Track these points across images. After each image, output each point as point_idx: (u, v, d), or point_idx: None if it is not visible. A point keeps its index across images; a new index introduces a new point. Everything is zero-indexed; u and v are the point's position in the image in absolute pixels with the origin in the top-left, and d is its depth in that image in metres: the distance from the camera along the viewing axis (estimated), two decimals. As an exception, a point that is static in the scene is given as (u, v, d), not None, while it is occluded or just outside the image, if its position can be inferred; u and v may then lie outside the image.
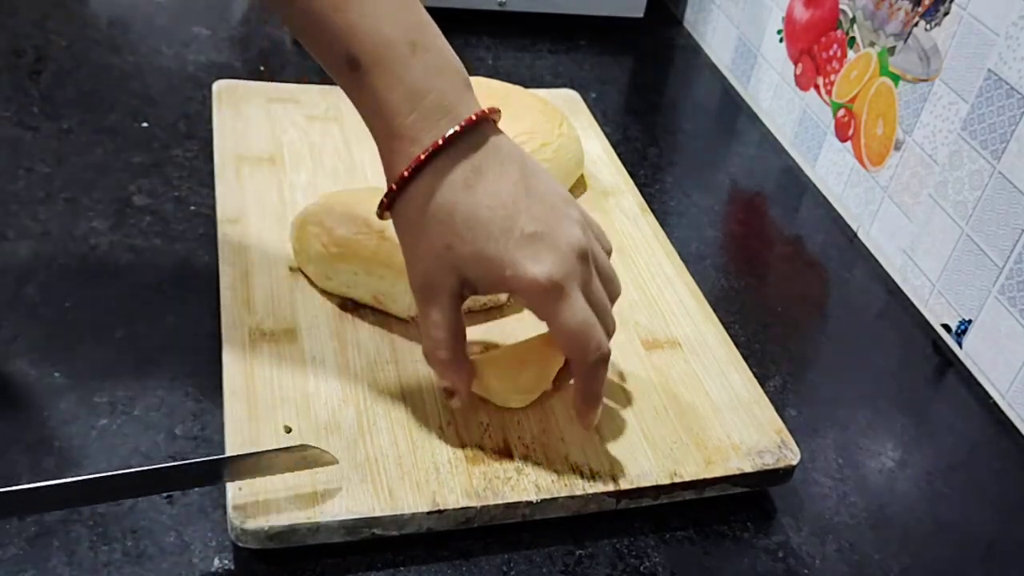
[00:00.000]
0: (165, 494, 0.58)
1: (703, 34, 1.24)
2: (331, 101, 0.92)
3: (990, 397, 0.76)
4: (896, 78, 0.87)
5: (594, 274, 0.57)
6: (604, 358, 0.56)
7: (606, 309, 0.58)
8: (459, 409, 0.61)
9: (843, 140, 0.95)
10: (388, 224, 0.62)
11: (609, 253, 0.61)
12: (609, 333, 0.58)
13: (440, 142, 0.53)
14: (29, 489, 0.49)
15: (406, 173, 0.54)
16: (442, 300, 0.56)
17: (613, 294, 0.59)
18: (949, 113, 0.81)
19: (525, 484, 0.59)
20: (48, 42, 1.01)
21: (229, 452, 0.57)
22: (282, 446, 0.56)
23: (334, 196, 0.73)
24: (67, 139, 0.86)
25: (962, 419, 0.75)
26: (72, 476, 0.58)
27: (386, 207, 0.57)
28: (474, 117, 0.54)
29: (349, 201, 0.72)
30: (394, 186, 0.55)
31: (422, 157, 0.53)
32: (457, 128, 0.54)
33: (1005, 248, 0.74)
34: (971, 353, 0.79)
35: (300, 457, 0.56)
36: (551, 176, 0.58)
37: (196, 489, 0.59)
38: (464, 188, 0.54)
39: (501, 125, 0.61)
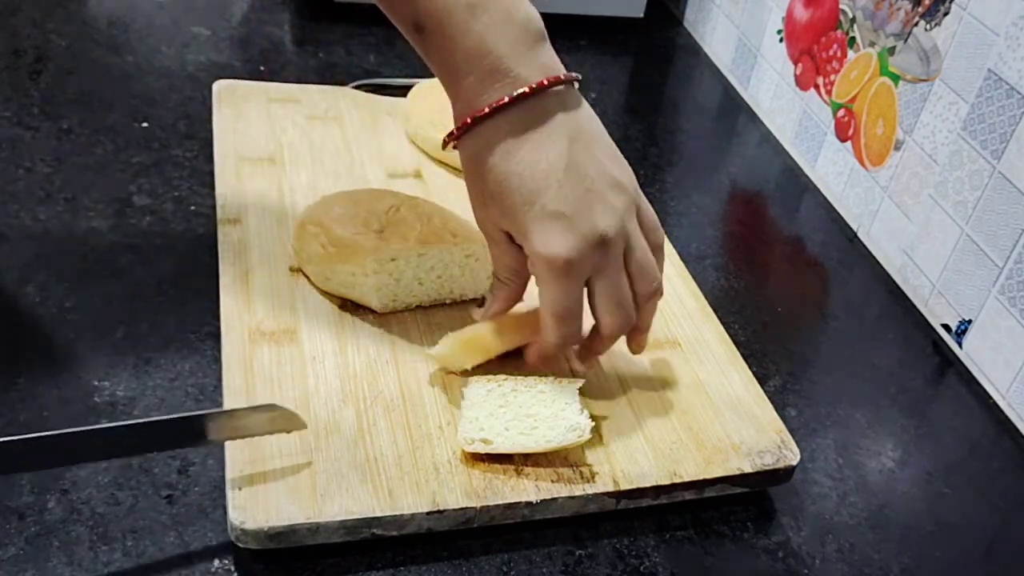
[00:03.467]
0: (165, 494, 0.58)
1: (703, 34, 1.24)
2: (331, 101, 0.92)
3: (990, 397, 0.76)
4: (896, 78, 0.87)
5: (616, 266, 0.58)
6: (562, 346, 0.61)
7: (617, 303, 0.59)
8: (489, 316, 0.64)
9: (843, 140, 0.95)
10: (387, 225, 0.69)
11: (657, 249, 0.61)
12: (613, 327, 0.60)
13: (486, 109, 0.55)
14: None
15: (455, 131, 0.57)
16: (498, 243, 0.60)
17: (643, 289, 0.60)
18: (949, 113, 0.81)
19: (525, 484, 0.59)
20: (48, 42, 1.01)
21: (228, 451, 0.57)
22: (253, 405, 0.57)
23: (334, 196, 0.73)
24: (67, 139, 0.86)
25: (962, 419, 0.75)
26: (71, 469, 0.58)
27: (447, 147, 0.59)
28: (529, 89, 0.55)
29: (349, 201, 0.72)
30: (445, 139, 0.59)
31: (468, 121, 0.56)
32: (507, 98, 0.55)
33: (1005, 248, 0.74)
34: (971, 353, 0.79)
35: (270, 417, 0.57)
36: (614, 155, 0.59)
37: (196, 489, 0.59)
38: (502, 155, 0.56)
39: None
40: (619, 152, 0.60)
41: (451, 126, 0.82)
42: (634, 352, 0.65)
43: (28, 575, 0.53)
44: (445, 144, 0.59)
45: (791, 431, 0.66)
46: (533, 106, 0.55)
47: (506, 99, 0.55)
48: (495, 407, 0.60)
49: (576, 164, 0.56)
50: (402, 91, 0.94)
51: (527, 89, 0.55)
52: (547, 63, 0.56)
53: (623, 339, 0.66)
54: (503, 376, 0.63)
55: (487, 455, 0.59)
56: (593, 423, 0.61)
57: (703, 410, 0.66)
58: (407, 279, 0.69)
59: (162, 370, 0.66)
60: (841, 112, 0.95)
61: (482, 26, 0.54)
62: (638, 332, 0.63)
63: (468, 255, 0.70)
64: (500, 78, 0.55)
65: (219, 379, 0.63)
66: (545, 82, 0.55)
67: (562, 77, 0.56)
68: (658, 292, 0.61)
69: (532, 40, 0.56)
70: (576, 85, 0.58)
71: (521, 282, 0.62)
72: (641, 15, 1.21)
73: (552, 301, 0.58)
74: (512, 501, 0.58)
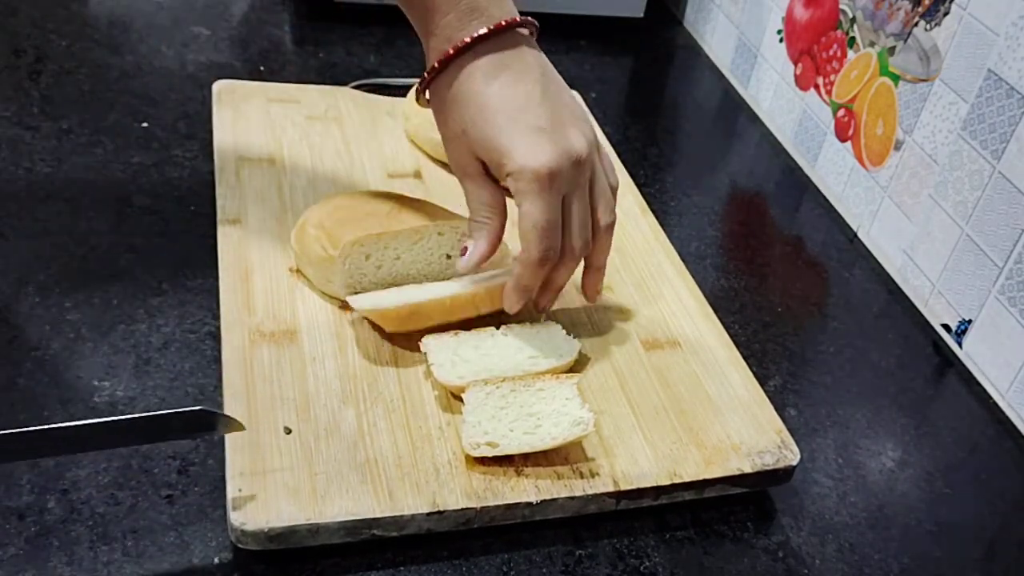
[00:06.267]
0: (165, 494, 0.58)
1: (703, 34, 1.24)
2: (331, 101, 0.92)
3: (990, 397, 0.76)
4: (896, 78, 0.87)
5: (585, 187, 0.62)
6: (544, 261, 0.62)
7: (583, 224, 0.63)
8: (468, 269, 0.65)
9: (843, 140, 0.95)
10: (387, 227, 0.69)
11: (614, 189, 0.66)
12: (576, 249, 0.63)
13: (468, 40, 0.60)
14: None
15: (436, 65, 0.61)
16: (472, 177, 0.63)
17: (604, 218, 0.65)
18: (949, 113, 0.81)
19: (525, 485, 0.59)
20: (48, 42, 1.01)
21: (229, 453, 0.57)
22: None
23: (335, 199, 0.73)
24: (67, 139, 0.86)
25: (962, 419, 0.75)
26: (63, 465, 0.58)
27: (420, 93, 0.64)
28: (503, 23, 0.60)
29: (350, 204, 0.72)
30: (426, 75, 0.62)
31: (450, 52, 0.60)
32: (485, 30, 0.60)
33: (1005, 248, 0.74)
34: (971, 353, 0.79)
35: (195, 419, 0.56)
36: (574, 97, 0.64)
37: (196, 489, 0.59)
38: (483, 81, 0.60)
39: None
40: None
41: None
42: (590, 298, 0.69)
43: (28, 575, 0.53)
44: (423, 83, 0.63)
45: (791, 431, 0.66)
46: (507, 40, 0.61)
47: (485, 30, 0.60)
48: (496, 409, 0.60)
49: (550, 92, 0.61)
50: (402, 91, 0.95)
51: (503, 22, 0.60)
52: (512, 8, 0.62)
53: (623, 341, 0.66)
54: (500, 378, 0.63)
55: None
56: (594, 416, 0.61)
57: (703, 410, 0.66)
58: (393, 265, 0.69)
59: (162, 370, 0.66)
60: (841, 112, 0.95)
61: None
62: (595, 271, 0.67)
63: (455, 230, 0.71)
64: (477, 16, 0.60)
65: (219, 379, 0.63)
66: (516, 19, 0.61)
67: (528, 19, 0.62)
68: (613, 224, 0.65)
69: None
70: (535, 34, 0.63)
71: (500, 217, 0.64)
72: (641, 15, 1.21)
73: (537, 213, 0.60)
74: (512, 502, 0.58)
